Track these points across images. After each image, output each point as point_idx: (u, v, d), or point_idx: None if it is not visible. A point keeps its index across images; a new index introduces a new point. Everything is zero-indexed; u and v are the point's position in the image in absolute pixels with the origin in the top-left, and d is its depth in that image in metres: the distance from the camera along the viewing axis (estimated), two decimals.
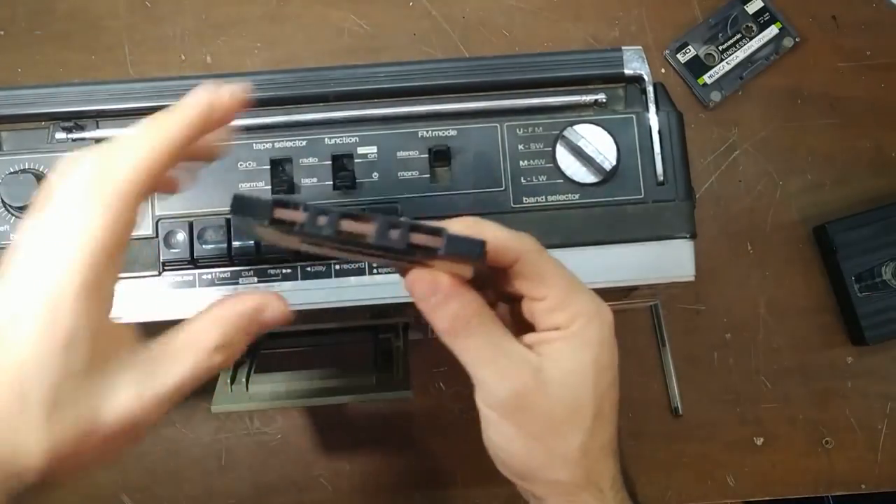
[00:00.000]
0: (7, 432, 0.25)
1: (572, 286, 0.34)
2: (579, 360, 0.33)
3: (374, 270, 0.43)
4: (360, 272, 0.43)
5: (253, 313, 0.31)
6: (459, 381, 0.68)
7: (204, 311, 0.31)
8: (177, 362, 0.29)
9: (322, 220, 0.29)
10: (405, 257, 0.30)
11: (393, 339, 0.52)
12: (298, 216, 0.29)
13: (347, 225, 0.29)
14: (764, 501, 0.68)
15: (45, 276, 0.26)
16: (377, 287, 0.43)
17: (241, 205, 0.29)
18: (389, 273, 0.43)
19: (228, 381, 0.51)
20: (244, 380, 0.51)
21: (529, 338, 0.34)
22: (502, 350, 0.33)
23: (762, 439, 0.68)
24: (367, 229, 0.29)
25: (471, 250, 0.29)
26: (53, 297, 0.25)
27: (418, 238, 0.29)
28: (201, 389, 0.65)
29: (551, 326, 0.33)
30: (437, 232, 0.29)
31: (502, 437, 0.34)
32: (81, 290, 0.26)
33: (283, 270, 0.42)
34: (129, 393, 0.27)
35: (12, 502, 0.26)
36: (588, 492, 0.34)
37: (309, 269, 0.42)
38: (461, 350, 0.32)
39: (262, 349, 0.55)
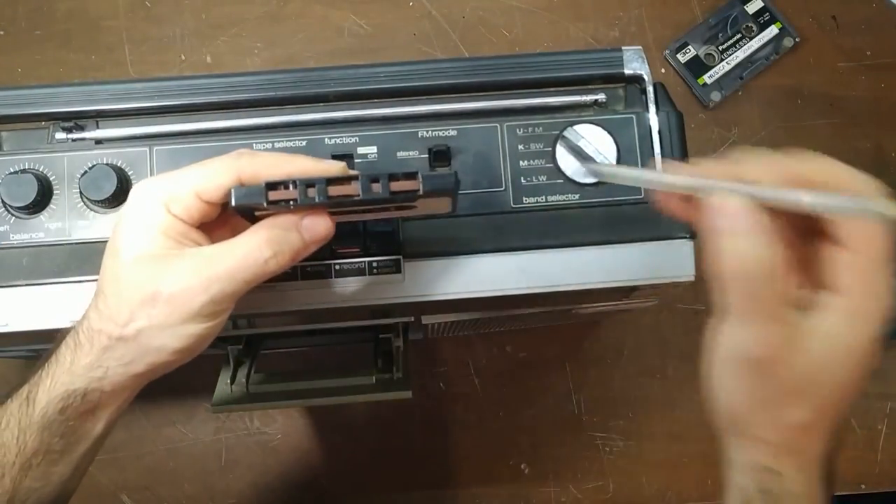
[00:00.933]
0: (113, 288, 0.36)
1: (883, 258, 0.30)
2: (846, 344, 0.30)
3: (374, 270, 0.43)
4: (360, 272, 0.43)
5: (292, 225, 0.36)
6: (459, 381, 0.68)
7: (258, 224, 0.36)
8: (230, 255, 0.35)
9: (311, 191, 0.33)
10: (392, 204, 0.35)
11: (393, 339, 0.52)
12: (291, 193, 0.33)
13: (335, 189, 0.33)
14: None
15: (136, 208, 0.36)
16: (377, 287, 0.43)
17: (239, 195, 0.34)
18: (389, 273, 0.43)
19: (228, 381, 0.51)
20: (244, 380, 0.51)
21: (805, 294, 0.31)
22: (771, 316, 0.30)
23: None
24: (353, 189, 0.33)
25: (445, 185, 0.34)
26: (137, 214, 0.36)
27: (398, 185, 0.33)
28: (201, 389, 0.65)
29: (835, 287, 0.30)
30: (413, 175, 0.33)
31: (728, 386, 0.33)
32: (158, 212, 0.35)
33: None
34: (188, 272, 0.34)
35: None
36: (791, 459, 0.33)
37: (309, 269, 0.42)
38: (730, 290, 0.30)
39: (262, 349, 0.55)
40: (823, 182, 0.30)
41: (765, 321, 0.30)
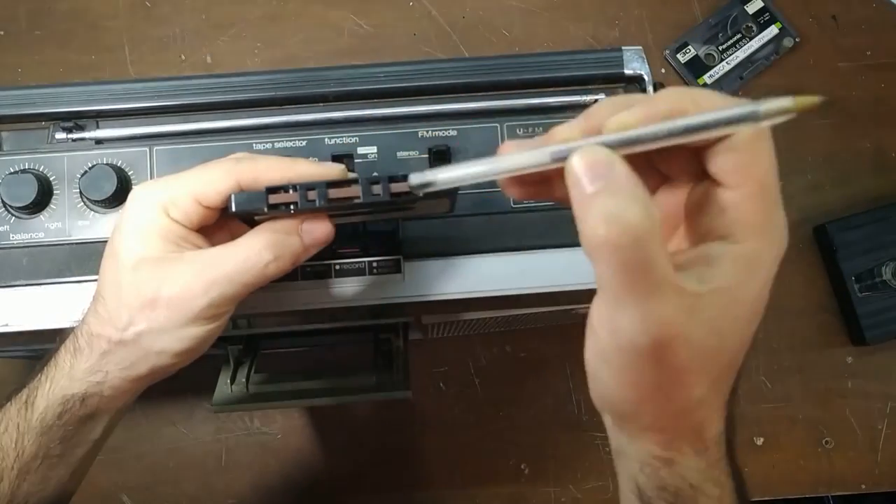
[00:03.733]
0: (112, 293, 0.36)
1: (774, 192, 0.26)
2: (744, 297, 0.26)
3: (374, 270, 0.43)
4: (360, 272, 0.43)
5: (292, 229, 0.36)
6: (459, 381, 0.68)
7: (258, 228, 0.36)
8: (230, 258, 0.35)
9: (312, 194, 0.33)
10: (391, 206, 0.34)
11: (393, 339, 0.52)
12: (291, 197, 0.33)
13: (335, 193, 0.33)
14: (764, 501, 0.68)
15: (135, 212, 0.36)
16: (377, 287, 0.43)
17: (240, 201, 0.33)
18: (389, 273, 0.43)
19: (228, 381, 0.51)
20: (244, 380, 0.51)
21: (688, 254, 0.27)
22: (657, 284, 0.25)
23: (762, 439, 0.68)
24: (353, 191, 0.33)
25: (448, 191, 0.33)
26: (136, 218, 0.35)
27: (398, 187, 0.33)
28: (201, 389, 0.65)
29: (723, 232, 0.26)
30: None
31: (616, 379, 0.27)
32: (155, 213, 0.35)
33: None
34: (188, 275, 0.34)
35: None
36: (688, 441, 0.29)
37: (309, 269, 0.42)
38: (606, 275, 0.25)
39: (262, 349, 0.55)
40: (684, 110, 0.26)
41: (656, 292, 0.25)
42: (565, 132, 0.28)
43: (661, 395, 0.27)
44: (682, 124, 0.25)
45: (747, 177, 0.26)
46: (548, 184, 0.30)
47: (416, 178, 0.31)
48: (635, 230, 0.24)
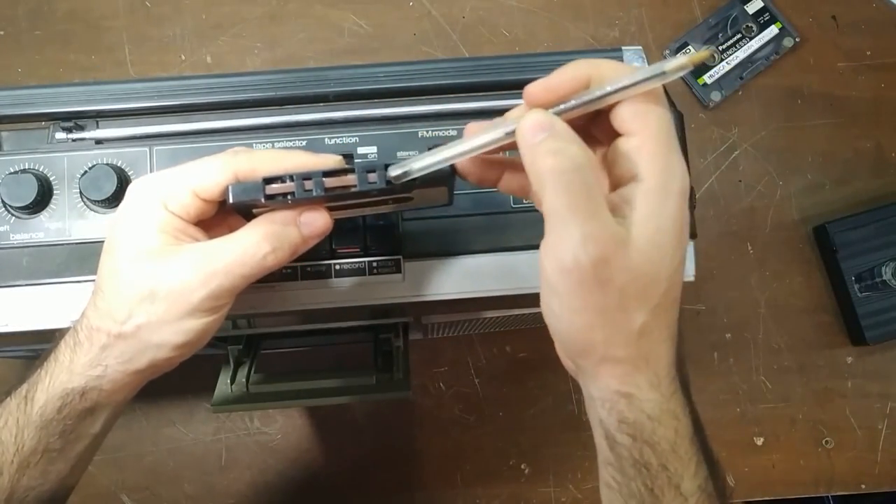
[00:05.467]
0: (110, 288, 0.36)
1: (669, 137, 0.31)
2: (658, 225, 0.31)
3: (374, 270, 0.43)
4: (360, 272, 0.43)
5: (290, 220, 0.36)
6: (459, 381, 0.68)
7: (256, 220, 0.37)
8: (228, 250, 0.35)
9: (308, 183, 0.33)
10: (388, 195, 0.35)
11: (393, 339, 0.52)
12: (288, 187, 0.33)
13: (331, 182, 0.33)
14: (764, 501, 0.68)
15: (134, 206, 0.36)
16: (377, 287, 0.43)
17: (237, 191, 0.33)
18: (389, 273, 0.43)
19: (228, 381, 0.51)
20: (244, 380, 0.51)
21: (611, 199, 0.32)
22: (596, 212, 0.30)
23: (762, 439, 0.68)
24: (350, 180, 0.34)
25: (441, 172, 0.34)
26: (135, 212, 0.36)
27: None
28: (201, 389, 0.65)
29: (631, 175, 0.31)
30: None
31: (566, 307, 0.31)
32: (152, 208, 0.35)
33: (284, 270, 0.42)
34: (186, 267, 0.34)
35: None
36: (644, 375, 0.32)
37: (309, 269, 0.42)
38: (553, 199, 0.30)
39: (263, 349, 0.55)
40: (591, 80, 0.32)
41: (595, 216, 0.30)
42: (516, 112, 0.34)
43: (607, 319, 0.31)
44: (609, 89, 0.31)
45: (643, 124, 0.31)
46: (497, 166, 0.36)
47: (394, 171, 0.34)
48: (575, 159, 0.30)
